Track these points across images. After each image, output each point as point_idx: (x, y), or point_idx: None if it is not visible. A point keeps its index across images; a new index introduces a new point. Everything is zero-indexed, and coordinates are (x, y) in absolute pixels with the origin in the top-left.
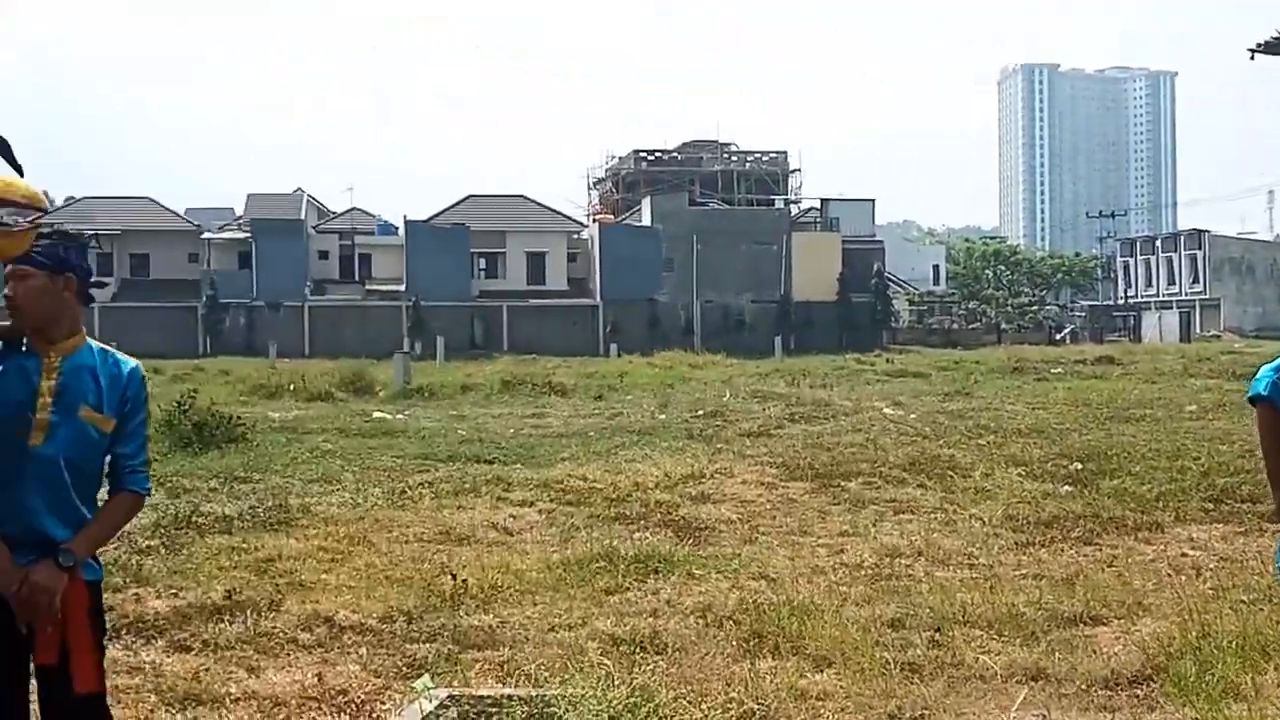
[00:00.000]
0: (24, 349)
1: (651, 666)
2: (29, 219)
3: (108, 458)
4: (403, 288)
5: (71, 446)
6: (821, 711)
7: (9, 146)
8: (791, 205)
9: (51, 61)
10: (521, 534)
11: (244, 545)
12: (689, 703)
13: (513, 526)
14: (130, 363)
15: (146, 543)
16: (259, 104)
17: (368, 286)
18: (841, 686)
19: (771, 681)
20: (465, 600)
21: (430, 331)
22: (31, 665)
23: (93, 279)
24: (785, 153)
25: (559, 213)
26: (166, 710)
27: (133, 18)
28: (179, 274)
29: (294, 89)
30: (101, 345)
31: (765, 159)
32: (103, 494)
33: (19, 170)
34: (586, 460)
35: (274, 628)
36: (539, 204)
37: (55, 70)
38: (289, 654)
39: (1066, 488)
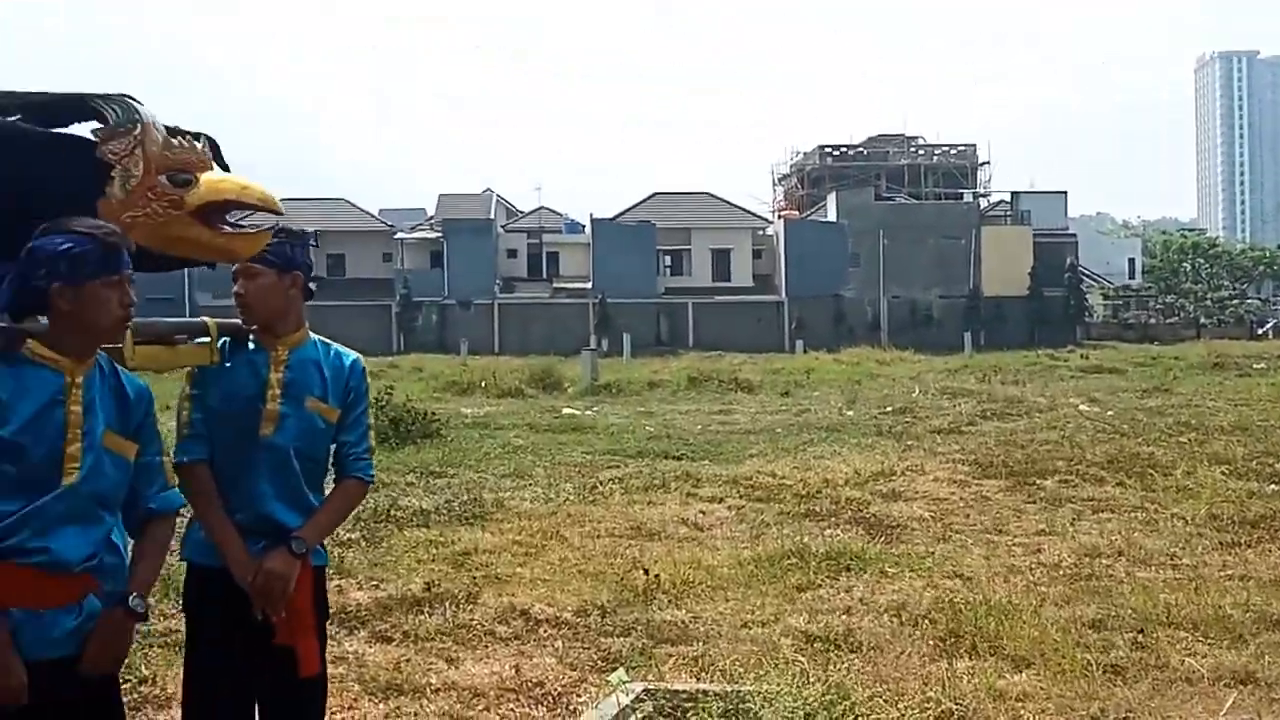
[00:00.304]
0: (251, 345)
1: (846, 664)
2: (251, 219)
3: (332, 446)
4: (589, 285)
5: (300, 436)
6: (1021, 713)
7: (218, 146)
8: (980, 199)
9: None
10: (712, 530)
11: (441, 539)
12: (885, 701)
13: (703, 522)
14: (351, 355)
15: (348, 535)
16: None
17: (555, 284)
18: (1041, 688)
19: (969, 682)
20: (658, 595)
21: (616, 328)
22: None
23: (313, 275)
24: (974, 145)
25: (744, 209)
26: (370, 699)
27: None
28: (373, 273)
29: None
30: (323, 339)
31: (953, 152)
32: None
33: (226, 169)
34: (775, 456)
35: (472, 620)
36: (724, 201)
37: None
38: (487, 646)
39: (1273, 486)
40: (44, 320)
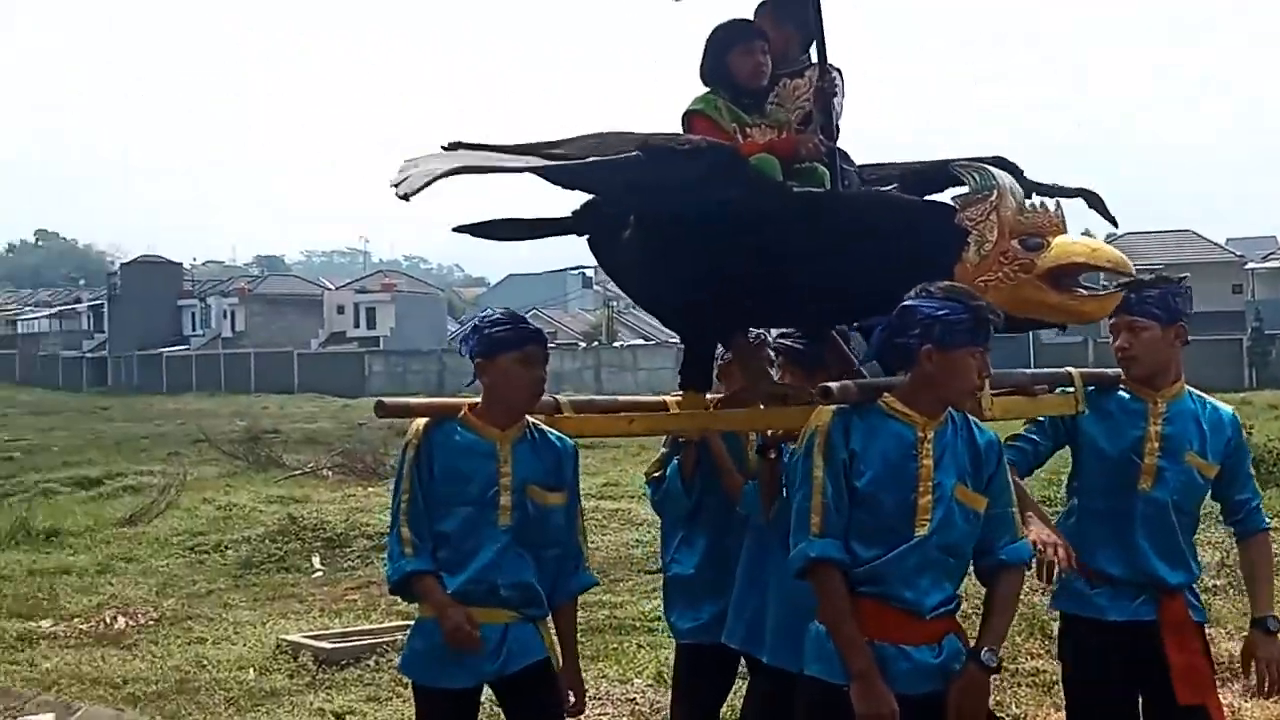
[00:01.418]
0: (1126, 395)
1: None
2: (1115, 283)
3: (1203, 499)
4: None
5: (1178, 490)
6: None
7: (1101, 200)
8: None
9: None
10: None
11: None
12: None
13: None
14: (1228, 409)
15: (1212, 581)
16: None
17: None
18: None
19: None
20: None
21: None
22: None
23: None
24: None
25: None
26: None
27: None
28: (1221, 306)
29: None
30: (1197, 391)
31: None
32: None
33: (1113, 221)
34: None
35: None
36: None
37: None
38: None
39: None
40: (903, 375)
